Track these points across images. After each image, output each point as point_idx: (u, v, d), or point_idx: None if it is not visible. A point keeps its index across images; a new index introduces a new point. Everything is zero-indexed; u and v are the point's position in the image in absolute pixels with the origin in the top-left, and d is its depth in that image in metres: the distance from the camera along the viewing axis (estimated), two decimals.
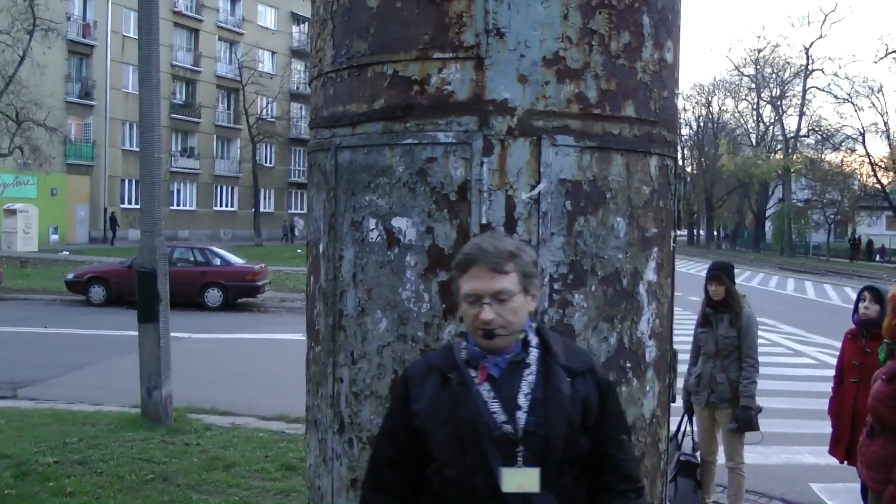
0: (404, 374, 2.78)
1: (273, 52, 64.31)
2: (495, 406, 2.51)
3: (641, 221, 3.80)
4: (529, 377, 2.56)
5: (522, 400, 2.52)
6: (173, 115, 54.68)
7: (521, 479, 2.47)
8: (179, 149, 57.11)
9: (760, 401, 6.50)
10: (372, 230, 3.65)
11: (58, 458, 7.80)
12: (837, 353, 6.31)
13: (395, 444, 2.65)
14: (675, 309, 4.29)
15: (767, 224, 76.17)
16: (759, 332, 6.72)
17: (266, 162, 63.04)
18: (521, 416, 2.50)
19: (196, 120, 57.59)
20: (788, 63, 70.44)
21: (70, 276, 23.56)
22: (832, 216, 66.96)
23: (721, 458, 6.78)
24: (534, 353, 2.61)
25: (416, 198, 3.56)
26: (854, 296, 6.44)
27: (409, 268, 3.57)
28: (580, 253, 3.59)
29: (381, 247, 3.63)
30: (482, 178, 3.48)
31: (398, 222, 3.58)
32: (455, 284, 2.64)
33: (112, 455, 7.94)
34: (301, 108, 65.29)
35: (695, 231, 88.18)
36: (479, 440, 2.48)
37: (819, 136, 67.43)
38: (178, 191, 56.40)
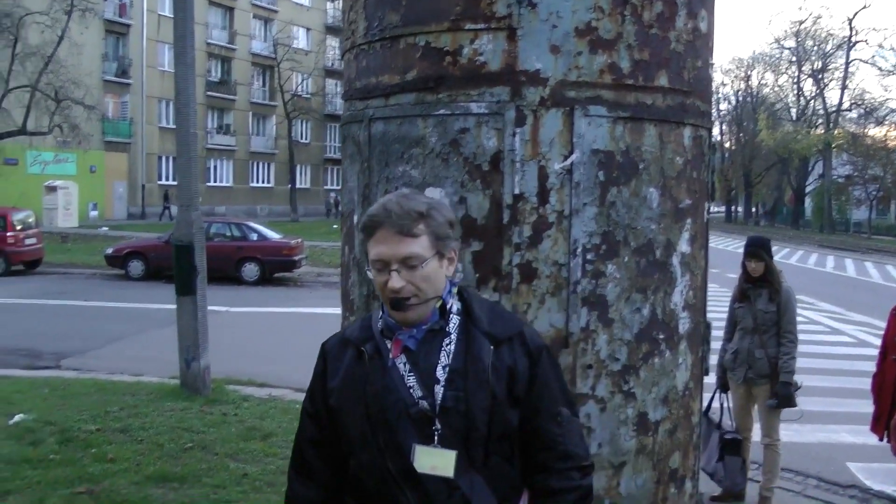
0: (322, 347, 2.49)
1: (308, 29, 64.33)
2: (412, 380, 2.27)
3: (674, 192, 3.79)
4: (448, 347, 2.31)
5: (440, 372, 2.27)
6: (209, 93, 54.98)
7: (435, 459, 2.24)
8: (215, 126, 57.45)
9: (798, 378, 6.45)
10: None
11: (100, 426, 7.97)
12: (878, 332, 6.25)
13: (317, 424, 2.43)
14: (712, 286, 4.28)
15: (807, 201, 75.17)
16: (798, 310, 6.66)
17: (302, 138, 63.24)
18: (439, 391, 2.25)
19: (231, 97, 57.85)
20: (831, 35, 69.32)
21: (109, 250, 23.87)
22: (874, 192, 65.90)
23: (756, 434, 6.75)
24: (454, 321, 2.35)
25: (448, 168, 3.58)
26: None
27: None
28: (613, 223, 3.60)
29: None
30: (515, 148, 3.49)
31: (431, 193, 3.60)
32: (363, 248, 2.36)
33: (152, 424, 8.09)
34: (336, 84, 65.30)
35: (733, 208, 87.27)
36: (391, 418, 2.25)
37: (862, 110, 66.30)
38: (215, 167, 56.79)
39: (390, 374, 2.27)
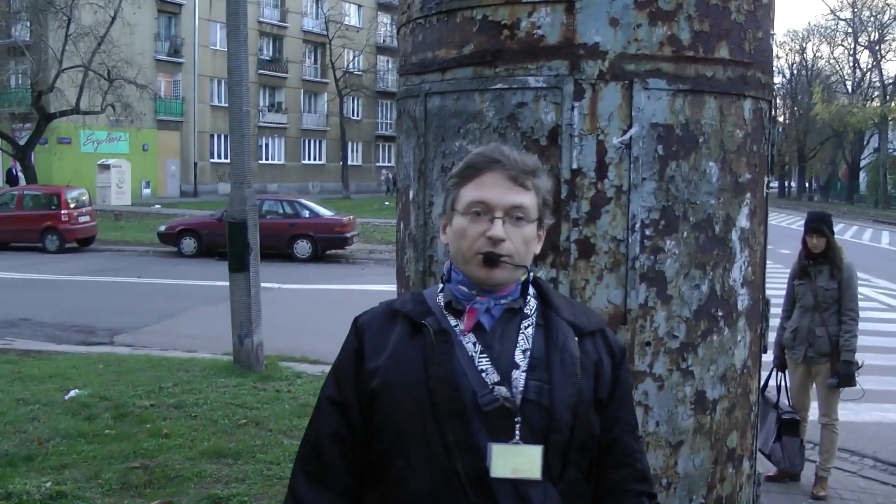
0: (356, 323, 2.05)
1: (359, 6, 64.28)
2: (484, 363, 1.87)
3: (734, 166, 3.72)
4: (528, 330, 1.93)
5: (520, 357, 1.89)
6: (261, 71, 55.27)
7: (518, 460, 1.83)
8: (267, 104, 57.78)
9: (859, 357, 6.33)
10: None
11: (154, 402, 8.08)
12: None
13: (344, 415, 1.96)
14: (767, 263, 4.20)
15: (862, 175, 73.75)
16: None
17: (353, 115, 63.33)
18: (519, 377, 1.87)
19: (283, 75, 58.12)
20: (888, 5, 67.60)
21: (162, 228, 24.18)
22: None
23: (813, 414, 6.65)
24: (532, 304, 1.98)
25: (506, 143, 3.54)
26: None
27: None
28: (672, 198, 3.55)
29: None
30: (573, 122, 3.45)
31: None
32: (451, 197, 1.97)
33: (205, 400, 8.18)
34: (388, 60, 65.31)
35: (786, 182, 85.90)
36: (462, 408, 1.84)
37: None
38: (267, 145, 57.18)
39: (457, 353, 1.88)
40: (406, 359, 1.89)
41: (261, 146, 55.61)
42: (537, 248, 2.00)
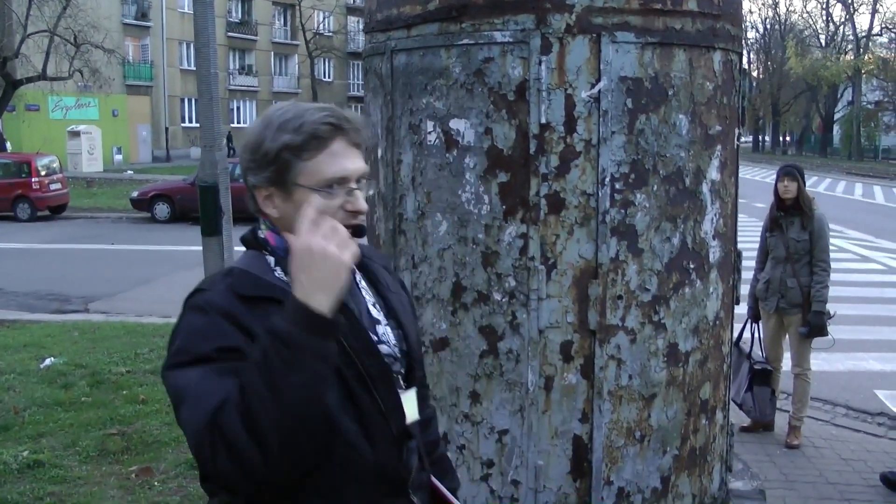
0: (209, 305, 1.75)
1: None
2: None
3: (704, 119, 3.71)
4: (363, 283, 1.92)
5: (375, 312, 1.88)
6: (230, 34, 54.55)
7: (408, 405, 1.88)
8: (237, 67, 57.11)
9: (830, 307, 6.38)
10: (430, 133, 3.63)
11: (130, 368, 8.03)
12: None
13: None
14: (740, 216, 4.21)
15: (835, 128, 74.01)
16: None
17: (325, 77, 62.82)
18: (385, 331, 1.87)
19: (253, 38, 57.39)
20: None
21: (135, 194, 23.90)
22: None
23: (786, 364, 6.70)
24: None
25: (473, 99, 3.52)
26: None
27: (468, 169, 3.55)
28: (642, 152, 3.54)
29: (439, 149, 3.61)
30: (541, 77, 3.42)
31: (456, 124, 3.55)
32: (285, 167, 1.75)
33: None
34: (358, 21, 64.53)
35: (760, 137, 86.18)
36: (384, 371, 1.83)
37: (893, 35, 64.87)
38: (238, 108, 56.60)
39: (360, 321, 1.84)
40: None
41: (232, 109, 55.02)
42: None
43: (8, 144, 34.80)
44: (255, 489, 1.61)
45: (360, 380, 1.75)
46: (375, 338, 1.83)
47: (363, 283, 1.91)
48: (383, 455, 1.81)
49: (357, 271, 1.90)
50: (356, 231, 1.74)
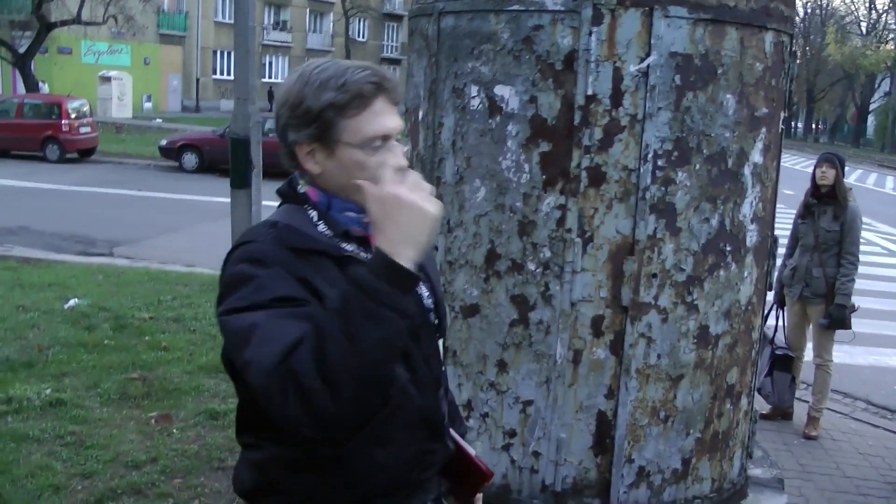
0: (265, 255, 1.75)
1: None
2: None
3: (752, 100, 3.65)
4: None
5: None
6: None
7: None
8: (272, 22, 56.93)
9: (854, 300, 6.32)
10: (474, 97, 3.58)
11: (153, 315, 8.08)
12: None
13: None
14: None
15: (870, 119, 73.15)
16: None
17: (359, 37, 62.48)
18: (421, 287, 1.93)
19: None
20: None
21: (163, 142, 23.93)
22: None
23: (808, 354, 6.66)
24: None
25: (520, 66, 3.47)
26: None
27: (510, 137, 3.51)
28: (686, 129, 3.49)
29: (482, 115, 3.57)
30: (590, 48, 3.37)
31: (501, 90, 3.51)
32: (328, 125, 1.78)
33: (204, 314, 8.17)
34: None
35: (793, 123, 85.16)
36: (427, 321, 1.92)
37: None
38: (271, 63, 56.47)
39: None
40: None
41: (264, 64, 54.90)
42: None
43: (45, 86, 34.83)
44: (320, 437, 1.61)
45: (410, 329, 1.69)
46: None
47: None
48: (428, 400, 1.88)
49: None
50: None
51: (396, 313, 1.56)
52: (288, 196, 1.91)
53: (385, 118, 1.80)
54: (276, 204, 1.96)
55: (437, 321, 1.96)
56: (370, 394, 1.59)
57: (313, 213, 1.86)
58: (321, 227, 1.84)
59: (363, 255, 1.81)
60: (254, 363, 1.58)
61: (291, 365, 1.53)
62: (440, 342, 1.98)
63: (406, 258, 1.57)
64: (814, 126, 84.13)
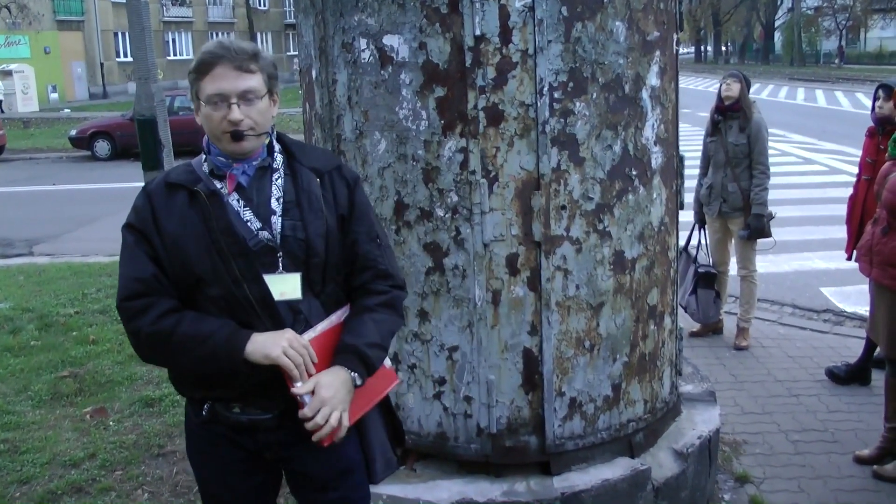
0: (144, 190, 2.48)
1: None
2: (248, 214, 2.39)
3: (642, 25, 3.67)
4: (279, 181, 2.45)
5: (275, 204, 2.42)
6: None
7: (282, 285, 2.40)
8: None
9: (773, 209, 6.45)
10: (363, 51, 3.54)
11: (78, 309, 7.93)
12: (849, 160, 6.22)
13: (155, 261, 2.39)
14: (683, 125, 4.19)
15: (777, 35, 74.32)
16: (770, 142, 6.59)
17: (260, 5, 61.36)
18: (276, 221, 2.40)
19: None
20: None
21: (73, 132, 23.32)
22: (844, 22, 65.16)
23: (733, 267, 6.80)
24: (279, 158, 2.49)
25: (406, 13, 3.43)
26: (865, 101, 6.29)
27: (404, 86, 3.48)
28: (579, 60, 3.49)
29: (374, 67, 3.53)
30: None
31: (390, 40, 3.47)
32: (194, 89, 2.41)
33: None
34: None
35: (702, 47, 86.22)
36: (244, 249, 2.35)
37: None
38: (174, 40, 55.14)
39: (227, 209, 2.39)
40: (191, 220, 2.36)
41: (167, 41, 53.58)
42: (275, 110, 2.49)
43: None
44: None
45: (219, 252, 2.34)
46: (259, 225, 2.38)
47: (279, 181, 2.45)
48: (233, 315, 2.38)
49: (278, 170, 2.46)
50: (235, 136, 2.34)
51: (220, 361, 2.34)
52: None
53: (221, 81, 2.34)
54: None
55: (304, 256, 2.41)
56: (167, 363, 2.55)
57: (202, 156, 2.47)
58: (204, 166, 2.45)
59: (220, 188, 2.40)
60: (121, 279, 2.43)
61: (138, 314, 2.37)
62: (294, 275, 2.42)
63: (251, 354, 2.32)
64: (723, 48, 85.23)
